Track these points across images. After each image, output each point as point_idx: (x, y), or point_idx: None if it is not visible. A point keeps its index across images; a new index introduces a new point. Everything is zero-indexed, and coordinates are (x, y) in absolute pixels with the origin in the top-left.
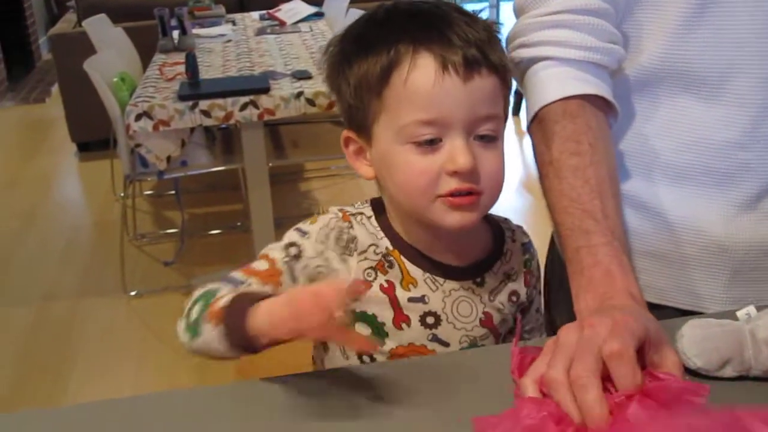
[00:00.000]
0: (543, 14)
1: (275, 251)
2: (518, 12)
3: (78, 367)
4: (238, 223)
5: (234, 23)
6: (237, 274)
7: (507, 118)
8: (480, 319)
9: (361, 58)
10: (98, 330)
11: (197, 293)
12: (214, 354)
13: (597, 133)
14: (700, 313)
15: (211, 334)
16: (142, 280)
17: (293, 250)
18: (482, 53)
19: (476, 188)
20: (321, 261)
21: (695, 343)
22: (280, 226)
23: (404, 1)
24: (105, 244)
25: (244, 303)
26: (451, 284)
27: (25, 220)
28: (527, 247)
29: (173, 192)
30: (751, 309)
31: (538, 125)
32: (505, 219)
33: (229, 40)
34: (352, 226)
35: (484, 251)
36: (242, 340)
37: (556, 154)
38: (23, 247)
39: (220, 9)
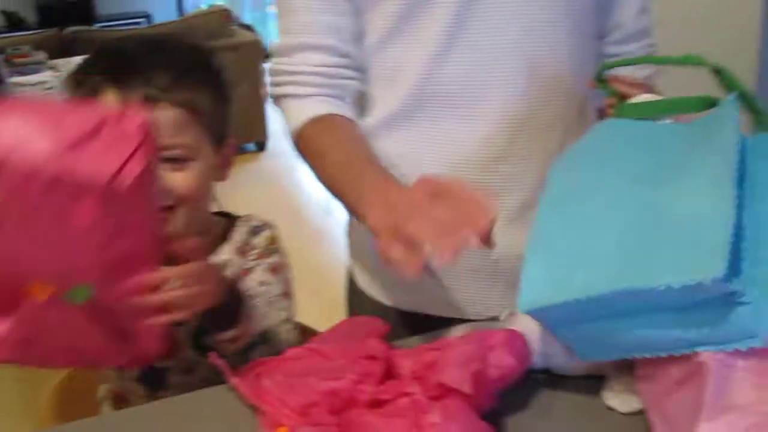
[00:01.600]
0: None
1: None
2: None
3: None
4: None
5: (57, 69)
6: None
7: (223, 139)
8: None
9: (73, 96)
10: None
11: None
12: None
13: (351, 133)
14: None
15: None
16: None
17: None
18: (164, 92)
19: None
20: None
21: None
22: None
23: (115, 40)
24: None
25: None
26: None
27: None
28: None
29: None
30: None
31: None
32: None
33: (51, 87)
34: None
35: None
36: None
37: (329, 151)
38: None
39: (41, 55)
